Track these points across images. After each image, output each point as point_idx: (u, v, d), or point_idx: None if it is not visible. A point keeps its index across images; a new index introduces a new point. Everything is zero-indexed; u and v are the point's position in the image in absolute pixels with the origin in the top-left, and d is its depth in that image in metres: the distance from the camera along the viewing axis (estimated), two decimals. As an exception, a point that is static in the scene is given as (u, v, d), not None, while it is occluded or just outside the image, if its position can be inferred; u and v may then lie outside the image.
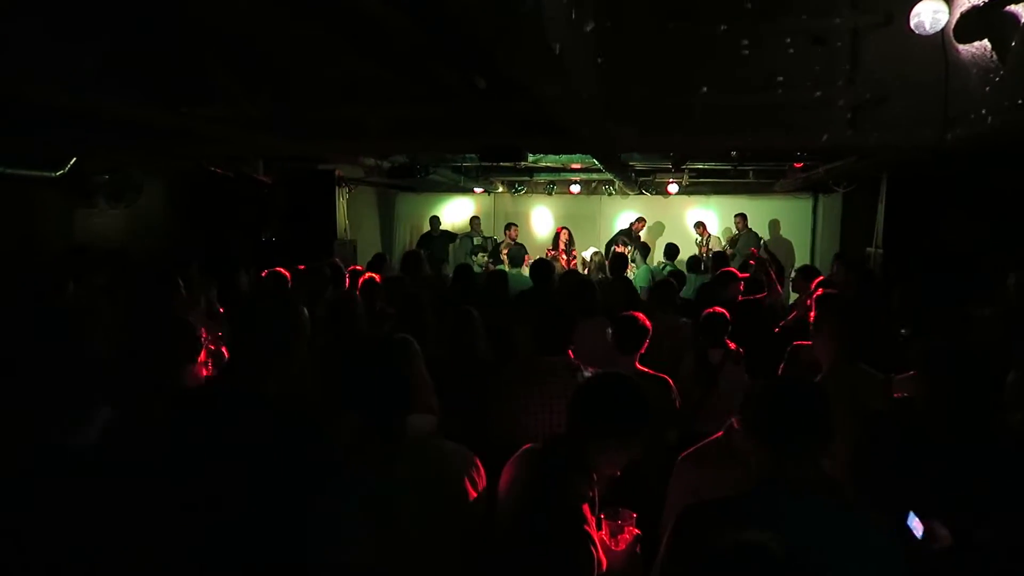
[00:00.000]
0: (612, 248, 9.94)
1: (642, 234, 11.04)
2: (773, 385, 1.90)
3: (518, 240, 10.49)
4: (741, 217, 10.72)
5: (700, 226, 11.13)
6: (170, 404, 2.17)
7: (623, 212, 12.30)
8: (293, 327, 2.21)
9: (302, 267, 5.32)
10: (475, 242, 10.74)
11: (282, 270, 5.05)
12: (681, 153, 7.41)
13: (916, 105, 4.34)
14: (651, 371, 3.47)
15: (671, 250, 9.09)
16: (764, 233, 11.29)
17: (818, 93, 4.47)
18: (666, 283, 5.44)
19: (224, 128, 4.80)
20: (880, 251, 7.81)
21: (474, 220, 11.40)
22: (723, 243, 10.92)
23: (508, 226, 10.64)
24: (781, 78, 4.46)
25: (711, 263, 8.03)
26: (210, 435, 1.98)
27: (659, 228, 11.82)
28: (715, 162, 8.75)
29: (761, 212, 11.36)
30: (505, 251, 9.28)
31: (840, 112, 4.58)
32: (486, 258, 10.19)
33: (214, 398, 2.11)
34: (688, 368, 4.41)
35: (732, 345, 4.45)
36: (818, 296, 4.44)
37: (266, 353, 2.13)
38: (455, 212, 12.64)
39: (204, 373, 3.01)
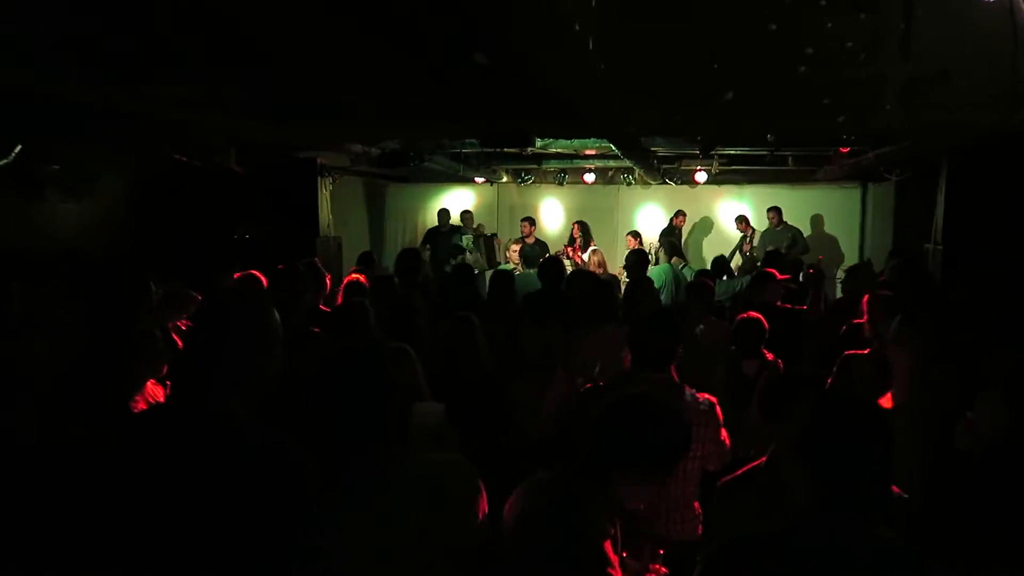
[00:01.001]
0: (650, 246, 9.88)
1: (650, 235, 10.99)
2: (830, 404, 1.87)
3: (535, 237, 10.45)
4: (775, 212, 10.54)
5: (742, 221, 10.93)
6: (116, 425, 2.15)
7: (644, 204, 12.28)
8: (264, 338, 2.19)
9: (280, 267, 5.31)
10: (462, 241, 10.64)
11: (257, 273, 5.05)
12: (709, 137, 7.39)
13: (980, 81, 4.31)
14: (692, 390, 3.21)
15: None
16: (805, 228, 11.25)
17: (865, 68, 4.44)
18: (701, 284, 5.45)
19: (192, 111, 4.80)
20: (939, 248, 7.76)
21: (464, 215, 11.36)
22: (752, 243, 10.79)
23: (523, 220, 10.62)
24: (822, 52, 4.44)
25: (760, 265, 7.99)
26: (160, 463, 1.96)
27: (687, 222, 11.74)
28: (749, 147, 8.72)
29: (802, 204, 11.31)
30: (515, 250, 9.20)
31: (891, 90, 4.55)
32: (468, 257, 10.09)
33: (170, 418, 2.09)
34: (719, 381, 4.39)
35: (770, 355, 4.44)
36: (879, 299, 4.41)
37: (233, 368, 2.12)
38: (454, 205, 12.64)
39: (160, 390, 3.00)
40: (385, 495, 1.94)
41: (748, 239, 10.70)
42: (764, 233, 10.62)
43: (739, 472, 2.50)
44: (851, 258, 11.06)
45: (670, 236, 10.73)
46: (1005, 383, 2.44)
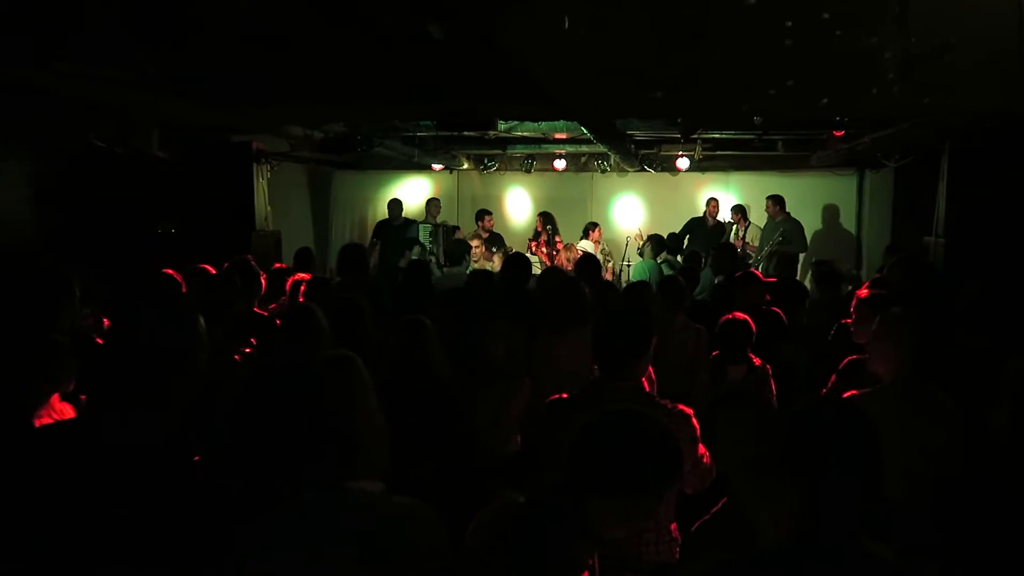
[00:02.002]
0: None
1: (642, 226, 11.04)
2: (808, 410, 1.90)
3: (494, 230, 10.46)
4: (774, 201, 10.55)
5: (737, 212, 10.96)
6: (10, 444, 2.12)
7: (621, 194, 12.34)
8: (186, 348, 2.16)
9: (205, 267, 5.25)
10: (418, 233, 10.58)
11: (173, 272, 4.98)
12: (691, 119, 7.44)
13: (984, 58, 4.40)
14: (664, 401, 3.20)
15: (671, 242, 9.13)
16: (799, 220, 11.41)
17: (860, 43, 4.51)
18: (673, 280, 5.45)
19: (109, 90, 4.72)
20: (941, 241, 7.90)
21: (431, 203, 11.28)
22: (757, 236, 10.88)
23: (480, 214, 10.59)
24: (812, 24, 4.49)
25: (779, 268, 8.06)
26: (56, 488, 1.92)
27: (667, 213, 11.83)
28: (734, 130, 8.81)
29: (794, 192, 11.42)
30: (477, 245, 9.18)
31: (888, 66, 4.63)
32: (419, 251, 10.04)
33: (72, 439, 2.05)
34: (702, 391, 4.43)
35: (757, 360, 4.48)
36: (867, 298, 4.50)
37: (149, 383, 2.08)
38: (408, 195, 12.59)
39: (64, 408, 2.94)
40: (316, 543, 1.86)
41: (739, 233, 10.76)
42: (765, 226, 10.70)
43: (708, 517, 2.51)
44: (847, 253, 11.23)
45: (697, 225, 10.78)
46: (1012, 390, 2.50)
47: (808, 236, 10.67)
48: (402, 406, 3.45)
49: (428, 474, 3.36)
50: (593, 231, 10.61)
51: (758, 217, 11.06)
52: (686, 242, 10.40)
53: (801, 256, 10.27)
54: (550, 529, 2.01)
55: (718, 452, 2.52)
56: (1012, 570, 2.20)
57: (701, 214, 11.06)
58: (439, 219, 11.20)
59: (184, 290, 4.82)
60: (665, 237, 9.30)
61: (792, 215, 10.54)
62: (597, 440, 2.06)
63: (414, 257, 9.46)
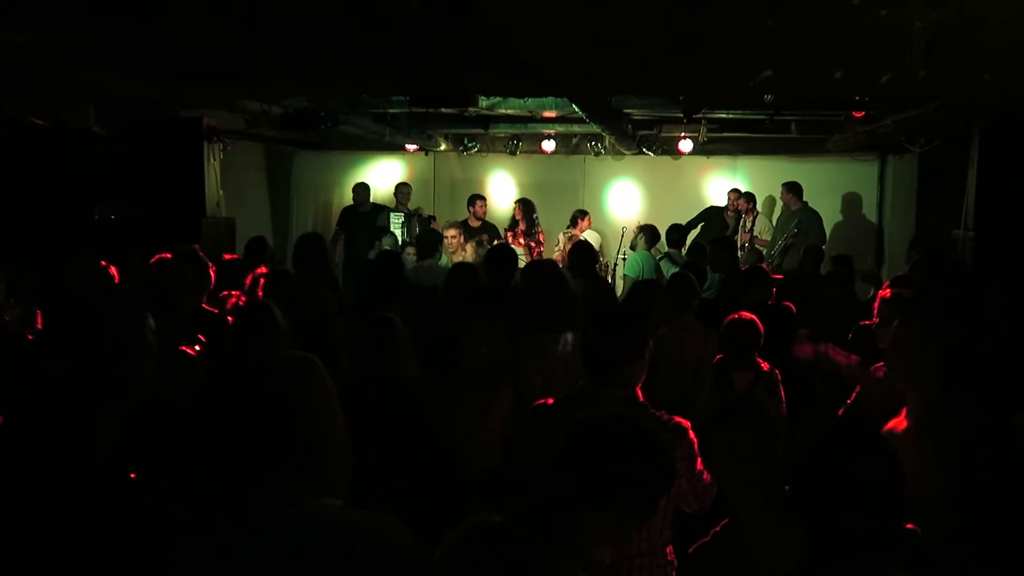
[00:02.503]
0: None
1: (639, 216, 11.04)
2: (823, 437, 1.94)
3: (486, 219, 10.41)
4: (789, 189, 10.61)
5: (745, 199, 10.94)
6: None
7: (617, 179, 12.35)
8: (131, 348, 2.15)
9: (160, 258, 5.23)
10: (391, 220, 10.51)
11: (109, 266, 4.96)
12: (695, 96, 7.45)
13: (1018, 34, 4.41)
14: (659, 412, 3.19)
15: (672, 233, 9.15)
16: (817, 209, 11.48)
17: (883, 12, 4.52)
18: (684, 277, 5.43)
19: (39, 59, 4.69)
20: (971, 234, 7.96)
21: (401, 189, 11.24)
22: (770, 227, 10.91)
23: (472, 199, 10.54)
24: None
25: (805, 261, 8.10)
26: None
27: (668, 200, 11.87)
28: (743, 110, 8.82)
29: (808, 179, 11.45)
30: (458, 239, 9.04)
31: (914, 41, 4.64)
32: (401, 245, 10.00)
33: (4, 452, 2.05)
34: (705, 397, 4.45)
35: (765, 365, 4.51)
36: (889, 299, 4.53)
37: (91, 388, 2.08)
38: (379, 179, 12.55)
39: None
40: (277, 564, 1.86)
41: (747, 225, 10.79)
42: (780, 217, 10.75)
43: (706, 540, 2.52)
44: (867, 246, 11.30)
45: (713, 215, 10.80)
46: None
47: (826, 228, 10.74)
48: (368, 415, 3.45)
49: (398, 491, 3.37)
50: (581, 220, 10.55)
51: (768, 207, 11.10)
52: (698, 230, 10.44)
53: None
54: (528, 551, 2.00)
55: (716, 469, 2.52)
56: None
57: (720, 204, 11.06)
58: (412, 205, 11.18)
59: (118, 283, 4.80)
60: (668, 227, 9.32)
61: (809, 204, 10.60)
62: (582, 444, 2.07)
63: (386, 248, 9.43)
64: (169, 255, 5.00)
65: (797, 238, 10.00)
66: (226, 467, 1.93)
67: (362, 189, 10.83)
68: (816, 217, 10.48)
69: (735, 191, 11.03)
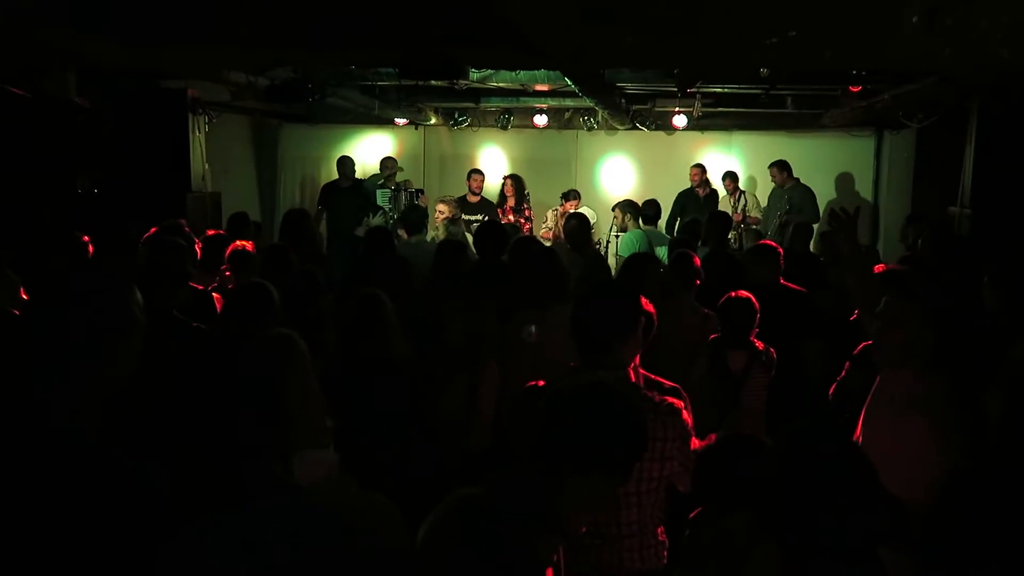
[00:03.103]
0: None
1: (632, 194, 10.96)
2: (802, 443, 2.03)
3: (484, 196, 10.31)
4: (779, 168, 10.58)
5: (730, 179, 11.00)
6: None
7: (610, 155, 12.31)
8: (121, 327, 2.12)
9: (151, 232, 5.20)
10: (378, 197, 10.38)
11: (88, 241, 4.91)
12: (689, 70, 7.39)
13: (1020, 6, 4.37)
14: (651, 394, 3.17)
15: (646, 209, 9.07)
16: (810, 186, 11.42)
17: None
18: (686, 256, 5.39)
19: (14, 24, 4.60)
20: (967, 212, 7.95)
21: (386, 162, 11.12)
22: (760, 205, 10.89)
23: (469, 174, 10.44)
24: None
25: (793, 239, 8.05)
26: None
27: (662, 176, 11.81)
28: (738, 84, 8.77)
29: (804, 155, 11.46)
30: (445, 214, 8.91)
31: (910, 13, 4.60)
32: (389, 220, 9.91)
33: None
34: (699, 377, 4.42)
35: (760, 345, 4.48)
36: (879, 274, 4.50)
37: (80, 369, 2.05)
38: (368, 153, 12.46)
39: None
40: (267, 543, 1.85)
41: (736, 205, 10.72)
42: (771, 194, 10.72)
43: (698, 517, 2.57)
44: (863, 223, 11.27)
45: (688, 197, 10.76)
46: (1007, 375, 2.52)
47: (820, 205, 10.71)
48: (354, 394, 3.42)
49: (387, 472, 3.35)
50: (567, 202, 10.35)
51: (766, 185, 11.05)
52: (678, 222, 10.42)
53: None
54: (508, 522, 2.02)
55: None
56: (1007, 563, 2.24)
57: (690, 185, 11.00)
58: (401, 179, 11.08)
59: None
60: (645, 202, 9.24)
61: (802, 180, 10.57)
62: (564, 411, 2.12)
63: (374, 223, 9.35)
64: (153, 228, 4.96)
65: (791, 215, 9.97)
66: (210, 449, 1.95)
67: (346, 163, 10.67)
68: (809, 193, 10.46)
69: (697, 166, 10.97)
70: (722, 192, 10.98)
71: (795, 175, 10.67)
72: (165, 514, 1.97)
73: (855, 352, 4.11)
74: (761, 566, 2.06)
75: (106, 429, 2.13)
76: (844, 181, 11.77)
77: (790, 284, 5.43)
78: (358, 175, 11.00)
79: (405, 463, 3.48)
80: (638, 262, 5.42)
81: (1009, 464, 2.36)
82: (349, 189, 10.51)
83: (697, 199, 10.72)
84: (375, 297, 3.77)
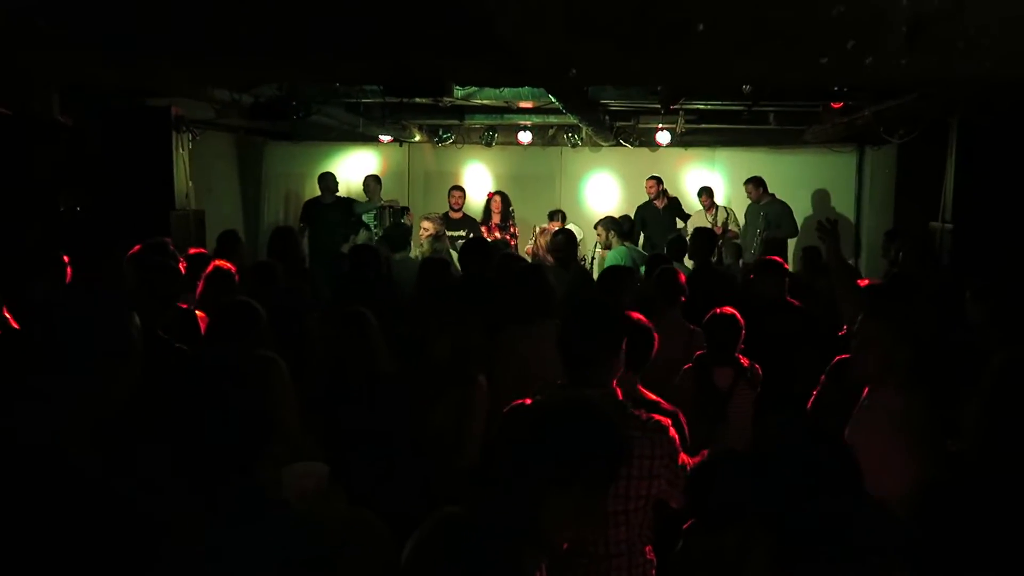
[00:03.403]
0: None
1: (616, 210, 10.97)
2: (777, 449, 2.13)
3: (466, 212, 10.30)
4: (754, 184, 10.57)
5: (705, 195, 11.00)
6: None
7: (594, 171, 12.34)
8: (113, 350, 2.12)
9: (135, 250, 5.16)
10: (365, 218, 10.38)
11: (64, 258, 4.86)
12: (673, 86, 7.42)
13: (1006, 20, 4.39)
14: (639, 411, 3.14)
15: (623, 225, 9.07)
16: (792, 202, 11.45)
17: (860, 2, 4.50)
18: (670, 272, 5.39)
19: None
20: (949, 226, 7.99)
21: (370, 182, 11.12)
22: (737, 219, 10.91)
23: (451, 191, 10.45)
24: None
25: (735, 250, 8.06)
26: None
27: (645, 193, 11.77)
28: (721, 100, 8.81)
29: (786, 171, 11.52)
30: (429, 231, 8.87)
31: (894, 27, 4.61)
32: (371, 237, 9.88)
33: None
34: (684, 394, 4.41)
35: (745, 361, 4.48)
36: (864, 288, 4.51)
37: (71, 386, 2.04)
38: (353, 170, 12.45)
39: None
40: (255, 563, 1.84)
41: (715, 219, 10.71)
42: (748, 211, 10.75)
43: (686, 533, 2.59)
44: (844, 238, 11.29)
45: (651, 215, 10.78)
46: (983, 387, 2.51)
47: (800, 220, 10.75)
48: (343, 408, 3.42)
49: (375, 490, 3.33)
50: (554, 222, 10.34)
51: (743, 201, 11.08)
52: (641, 237, 10.52)
53: (792, 242, 10.34)
54: (491, 538, 2.02)
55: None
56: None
57: (654, 199, 11.03)
58: (385, 196, 11.09)
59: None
60: (620, 218, 9.26)
61: (781, 196, 10.61)
62: (545, 426, 2.14)
63: (360, 242, 9.34)
64: (137, 247, 4.92)
65: (771, 231, 9.98)
66: (200, 465, 1.94)
67: (327, 179, 10.66)
68: (786, 209, 10.47)
69: (653, 178, 11.02)
70: (697, 207, 11.03)
71: (777, 191, 10.70)
72: (145, 534, 1.94)
73: (830, 366, 4.11)
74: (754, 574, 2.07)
75: (97, 448, 2.11)
76: (825, 197, 11.81)
77: (794, 301, 5.43)
78: (341, 192, 11.01)
79: (391, 478, 3.46)
80: (614, 275, 5.41)
81: (984, 474, 2.36)
82: (331, 205, 10.51)
83: (656, 211, 10.75)
84: (360, 315, 3.75)
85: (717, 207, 10.88)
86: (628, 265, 7.82)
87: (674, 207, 10.89)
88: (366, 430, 3.52)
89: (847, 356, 3.96)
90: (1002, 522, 2.21)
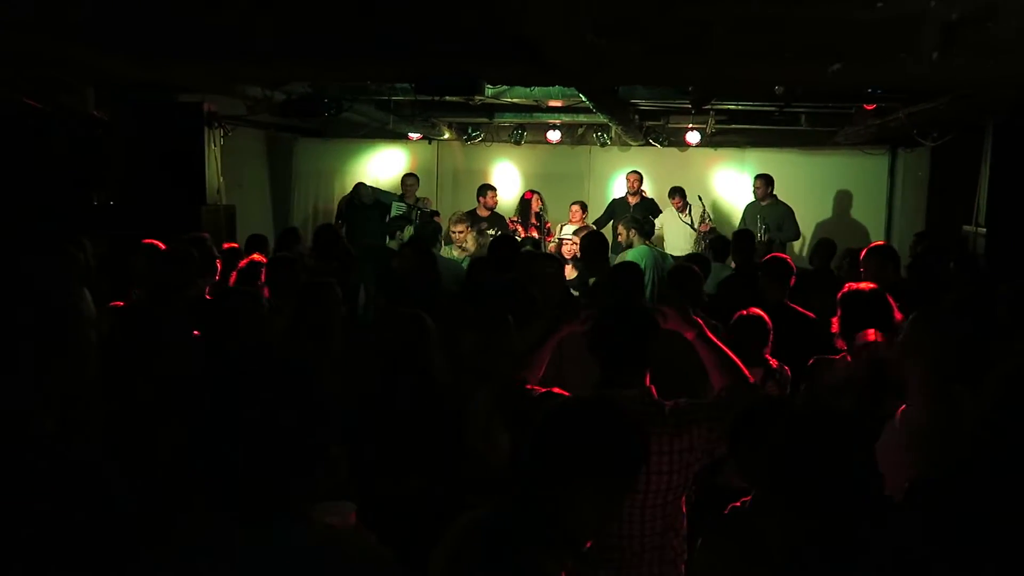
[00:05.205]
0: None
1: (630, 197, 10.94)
2: (799, 424, 2.12)
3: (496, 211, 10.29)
4: (764, 181, 10.41)
5: (678, 195, 10.83)
6: None
7: (622, 170, 12.28)
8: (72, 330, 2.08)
9: (150, 241, 5.22)
10: (393, 211, 10.40)
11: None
12: (703, 87, 7.41)
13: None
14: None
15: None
16: (823, 203, 11.39)
17: (895, 4, 4.48)
18: (686, 269, 5.39)
19: (31, 38, 4.65)
20: (982, 231, 7.92)
21: (408, 180, 11.15)
22: (710, 216, 10.81)
23: (482, 189, 10.43)
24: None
25: (816, 255, 8.01)
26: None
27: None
28: (752, 101, 8.78)
29: (817, 173, 11.47)
30: (458, 231, 8.85)
31: (926, 32, 4.60)
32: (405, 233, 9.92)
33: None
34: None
35: (774, 362, 4.47)
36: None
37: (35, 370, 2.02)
38: (382, 167, 12.51)
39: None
40: None
41: (691, 218, 10.63)
42: (747, 210, 10.65)
43: (725, 515, 2.58)
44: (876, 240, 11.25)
45: (620, 207, 10.75)
46: (995, 388, 2.50)
47: (831, 220, 10.68)
48: (396, 412, 3.46)
49: (415, 491, 3.39)
50: (573, 207, 10.34)
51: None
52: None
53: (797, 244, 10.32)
54: (516, 541, 2.03)
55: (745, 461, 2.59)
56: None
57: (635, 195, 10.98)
58: (419, 195, 11.12)
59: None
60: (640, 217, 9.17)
61: (810, 197, 10.53)
62: (569, 427, 2.16)
63: (406, 236, 9.38)
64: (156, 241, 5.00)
65: (773, 233, 9.87)
66: (247, 468, 1.76)
67: (361, 189, 10.64)
68: (788, 211, 10.26)
69: (634, 172, 10.96)
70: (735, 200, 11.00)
71: (808, 192, 10.70)
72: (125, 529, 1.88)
73: (810, 365, 4.08)
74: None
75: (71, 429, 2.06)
76: (856, 199, 11.70)
77: (796, 307, 5.35)
78: (382, 198, 11.04)
79: (433, 481, 3.50)
80: (625, 274, 5.37)
81: (988, 474, 2.36)
82: (367, 206, 10.52)
83: (627, 207, 10.61)
84: (417, 318, 3.79)
85: (690, 205, 10.69)
86: (648, 267, 7.80)
87: (648, 206, 10.77)
88: (418, 433, 3.56)
89: (825, 356, 3.97)
90: (1004, 522, 2.22)
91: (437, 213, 10.80)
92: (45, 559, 1.83)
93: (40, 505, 1.85)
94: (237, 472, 1.76)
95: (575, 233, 9.03)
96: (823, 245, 8.08)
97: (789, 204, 10.33)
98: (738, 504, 2.57)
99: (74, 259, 5.01)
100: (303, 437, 1.78)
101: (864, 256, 5.56)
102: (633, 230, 8.50)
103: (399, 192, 10.90)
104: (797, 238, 10.16)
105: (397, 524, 2.56)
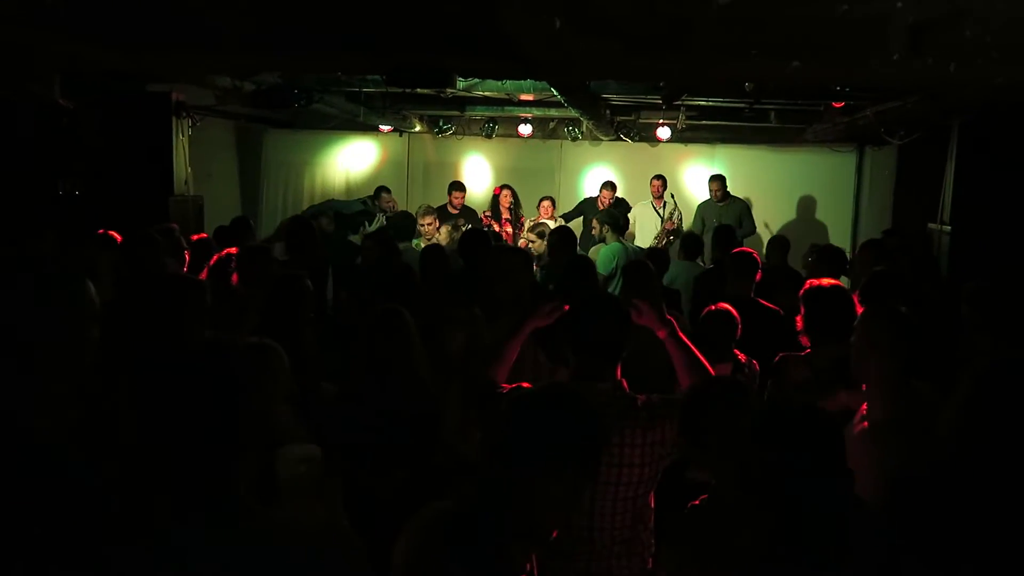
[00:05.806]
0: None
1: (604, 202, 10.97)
2: (774, 412, 2.09)
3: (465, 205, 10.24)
4: (719, 183, 10.47)
5: (658, 180, 10.87)
6: None
7: (593, 165, 12.34)
8: (65, 320, 2.06)
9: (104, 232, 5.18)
10: (373, 222, 10.32)
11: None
12: (675, 83, 7.44)
13: (1007, 25, 4.42)
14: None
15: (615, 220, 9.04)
16: (790, 199, 11.49)
17: (864, 5, 4.52)
18: (642, 264, 5.43)
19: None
20: (947, 228, 8.02)
21: (381, 193, 10.76)
22: (676, 217, 10.76)
23: (452, 187, 10.38)
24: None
25: (771, 251, 8.04)
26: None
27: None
28: (722, 98, 8.83)
29: (786, 169, 11.57)
30: (427, 223, 8.78)
31: (893, 32, 4.63)
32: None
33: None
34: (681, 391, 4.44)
35: (743, 357, 4.51)
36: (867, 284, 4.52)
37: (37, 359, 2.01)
38: (351, 160, 12.44)
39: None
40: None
41: (663, 212, 10.65)
42: (701, 206, 10.70)
43: (694, 505, 2.60)
44: (841, 238, 11.36)
45: (590, 209, 10.80)
46: (965, 388, 2.52)
47: (798, 217, 10.77)
48: (374, 408, 3.45)
49: (397, 482, 3.41)
50: (543, 203, 10.38)
51: (754, 197, 11.06)
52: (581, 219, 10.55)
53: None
54: (481, 532, 2.04)
55: (704, 447, 2.60)
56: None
57: (601, 196, 11.04)
58: (386, 185, 11.04)
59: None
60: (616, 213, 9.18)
61: (779, 194, 10.64)
62: (532, 413, 2.16)
63: (372, 230, 9.29)
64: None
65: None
66: (173, 460, 1.77)
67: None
68: (745, 207, 10.40)
69: (608, 184, 11.06)
70: (701, 196, 11.02)
71: (776, 188, 10.92)
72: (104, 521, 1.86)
73: (775, 364, 4.12)
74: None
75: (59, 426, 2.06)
76: (823, 195, 11.82)
77: (763, 301, 5.38)
78: (343, 181, 10.94)
79: (414, 472, 3.51)
80: (577, 267, 5.39)
81: (958, 474, 2.39)
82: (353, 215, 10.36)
83: (596, 209, 10.62)
84: (395, 313, 3.79)
85: (666, 202, 10.73)
86: (620, 264, 7.82)
87: (616, 207, 10.81)
88: (397, 425, 3.56)
89: (792, 353, 4.01)
90: (974, 521, 2.25)
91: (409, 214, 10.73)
92: (32, 561, 1.83)
93: (24, 506, 1.86)
94: (171, 460, 1.76)
95: (530, 230, 9.05)
96: (778, 241, 8.16)
97: (757, 200, 10.41)
98: (704, 498, 2.59)
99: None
100: (225, 425, 1.78)
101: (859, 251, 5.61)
102: (607, 226, 8.52)
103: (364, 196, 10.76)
104: (754, 232, 10.23)
105: (381, 516, 2.56)
